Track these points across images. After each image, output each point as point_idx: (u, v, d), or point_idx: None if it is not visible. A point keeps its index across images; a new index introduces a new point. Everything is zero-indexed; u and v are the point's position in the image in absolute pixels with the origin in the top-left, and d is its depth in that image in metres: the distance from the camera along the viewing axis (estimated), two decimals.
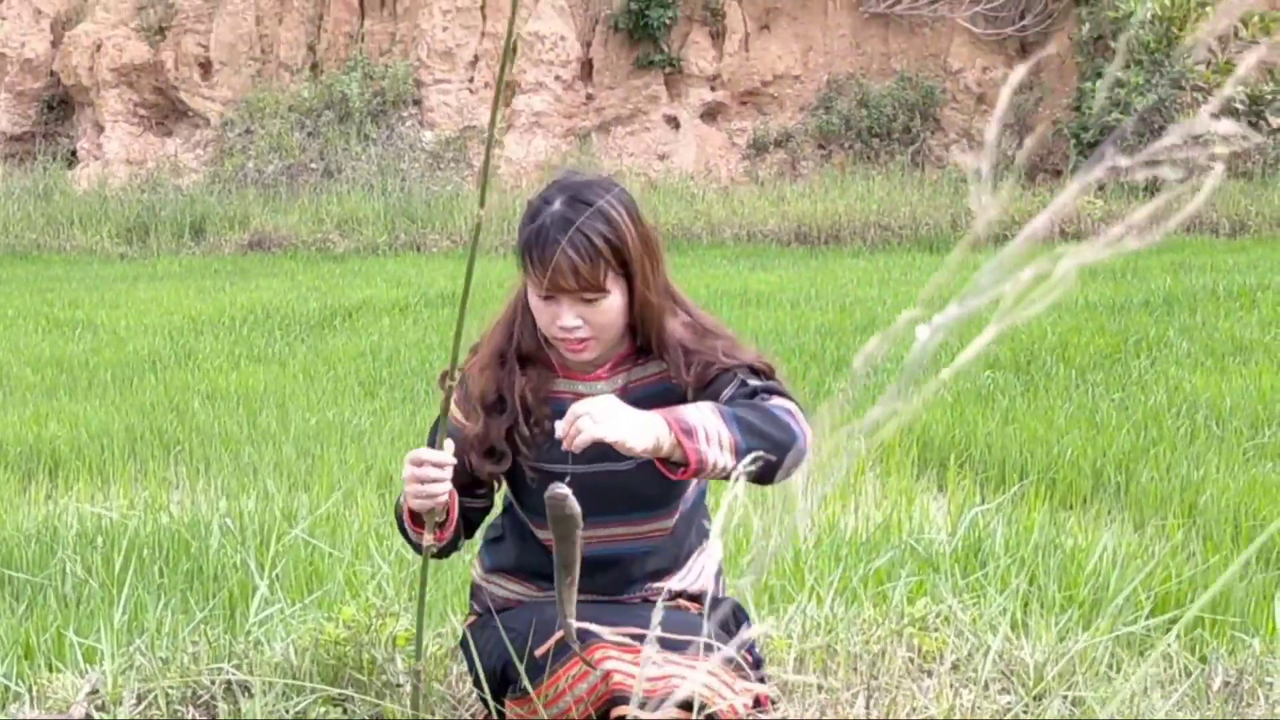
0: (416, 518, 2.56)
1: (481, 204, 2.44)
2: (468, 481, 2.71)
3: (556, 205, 2.48)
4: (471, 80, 20.60)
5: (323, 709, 2.93)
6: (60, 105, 21.66)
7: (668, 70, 20.55)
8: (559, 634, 2.47)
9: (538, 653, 2.46)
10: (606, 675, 2.38)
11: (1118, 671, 3.11)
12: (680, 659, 2.41)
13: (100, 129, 20.90)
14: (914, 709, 2.76)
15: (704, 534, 2.80)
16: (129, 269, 15.18)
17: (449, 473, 2.47)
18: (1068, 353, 8.21)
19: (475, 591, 2.88)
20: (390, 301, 11.36)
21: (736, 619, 2.72)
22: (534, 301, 2.54)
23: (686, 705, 2.40)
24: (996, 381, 7.48)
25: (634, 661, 2.40)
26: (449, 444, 2.51)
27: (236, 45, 20.68)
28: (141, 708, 2.93)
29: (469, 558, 4.04)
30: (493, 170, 19.52)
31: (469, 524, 2.83)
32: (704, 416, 2.33)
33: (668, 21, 20.16)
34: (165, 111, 21.17)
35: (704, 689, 2.40)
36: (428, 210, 17.40)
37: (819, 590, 3.50)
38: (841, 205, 16.87)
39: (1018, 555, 4.11)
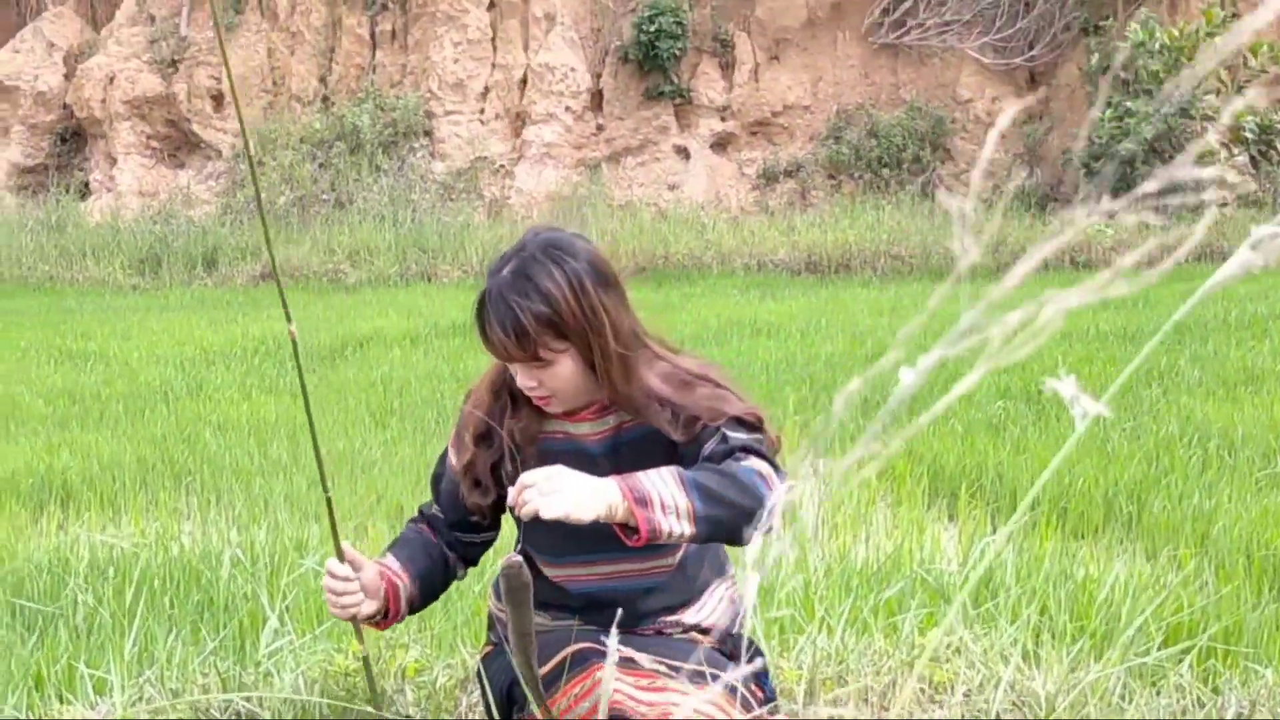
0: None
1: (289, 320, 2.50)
2: (462, 514, 2.76)
3: (504, 274, 2.51)
4: (482, 111, 20.68)
5: None
6: (73, 137, 21.78)
7: (677, 101, 20.62)
8: (562, 654, 2.47)
9: (542, 671, 2.46)
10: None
11: (1130, 702, 3.10)
12: (681, 685, 2.41)
13: (113, 161, 21.01)
14: None
15: (720, 567, 2.79)
16: (141, 300, 15.24)
17: (355, 585, 2.61)
18: (1079, 381, 8.18)
19: (491, 623, 2.89)
20: (402, 332, 11.39)
21: (750, 657, 2.70)
22: None
23: None
24: (1008, 411, 7.47)
25: (634, 683, 2.40)
26: (348, 556, 2.65)
27: (248, 77, 20.80)
28: None
29: (478, 588, 4.05)
30: (503, 201, 19.60)
31: (468, 559, 2.90)
32: (662, 484, 2.32)
33: (677, 52, 20.25)
34: (177, 143, 21.28)
35: (700, 716, 2.39)
36: (439, 241, 17.45)
37: (829, 621, 3.49)
38: (852, 235, 16.89)
39: (1029, 585, 4.10)
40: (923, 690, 3.12)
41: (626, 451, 2.62)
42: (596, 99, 20.82)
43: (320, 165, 19.65)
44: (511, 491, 2.34)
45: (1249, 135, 17.71)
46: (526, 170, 20.27)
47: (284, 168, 19.38)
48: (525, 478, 2.31)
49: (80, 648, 3.76)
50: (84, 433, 7.63)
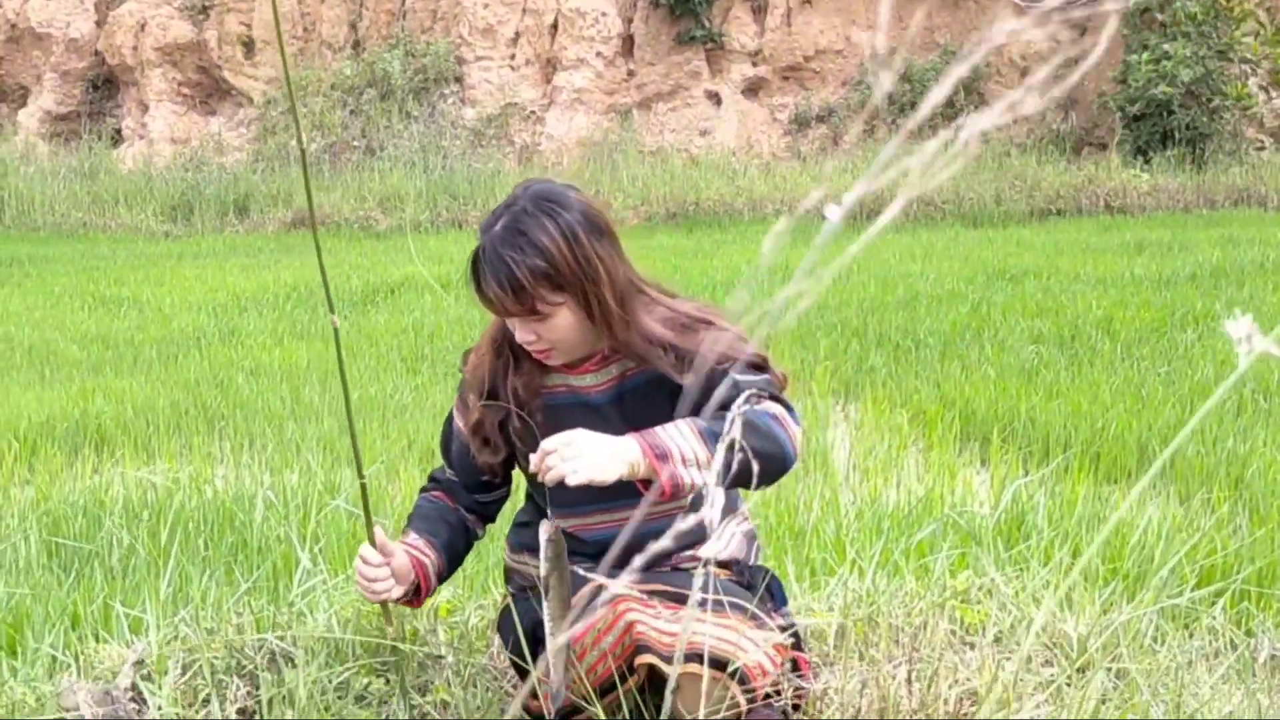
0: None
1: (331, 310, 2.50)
2: (475, 475, 2.78)
3: (496, 229, 2.50)
4: (513, 57, 20.58)
5: (365, 680, 2.94)
6: (105, 85, 21.79)
7: (709, 46, 20.46)
8: (583, 591, 2.48)
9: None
10: (629, 626, 2.40)
11: (1162, 644, 3.09)
12: (702, 614, 2.42)
13: (145, 108, 21.02)
14: (956, 681, 2.74)
15: (733, 503, 2.81)
16: (173, 247, 15.29)
17: (386, 571, 2.62)
18: (1113, 327, 8.14)
19: (507, 574, 2.91)
20: (433, 278, 11.39)
21: (770, 588, 2.71)
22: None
23: (719, 664, 2.40)
24: (1041, 356, 7.43)
25: (655, 614, 2.41)
26: (380, 543, 2.64)
27: (279, 24, 20.71)
28: (187, 677, 2.95)
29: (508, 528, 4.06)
30: (534, 147, 19.54)
31: (486, 516, 2.91)
32: (681, 438, 2.34)
33: None
34: (209, 90, 21.28)
35: (720, 641, 2.40)
36: (469, 188, 17.43)
37: (860, 563, 3.48)
38: (883, 180, 16.74)
39: (1061, 528, 4.09)
40: (953, 632, 3.11)
41: (631, 400, 2.62)
42: (627, 44, 20.69)
43: (351, 112, 19.62)
44: (533, 458, 2.35)
45: None
46: (557, 116, 20.19)
47: (315, 114, 19.35)
48: (546, 444, 2.33)
49: (116, 588, 3.79)
50: (118, 378, 7.67)
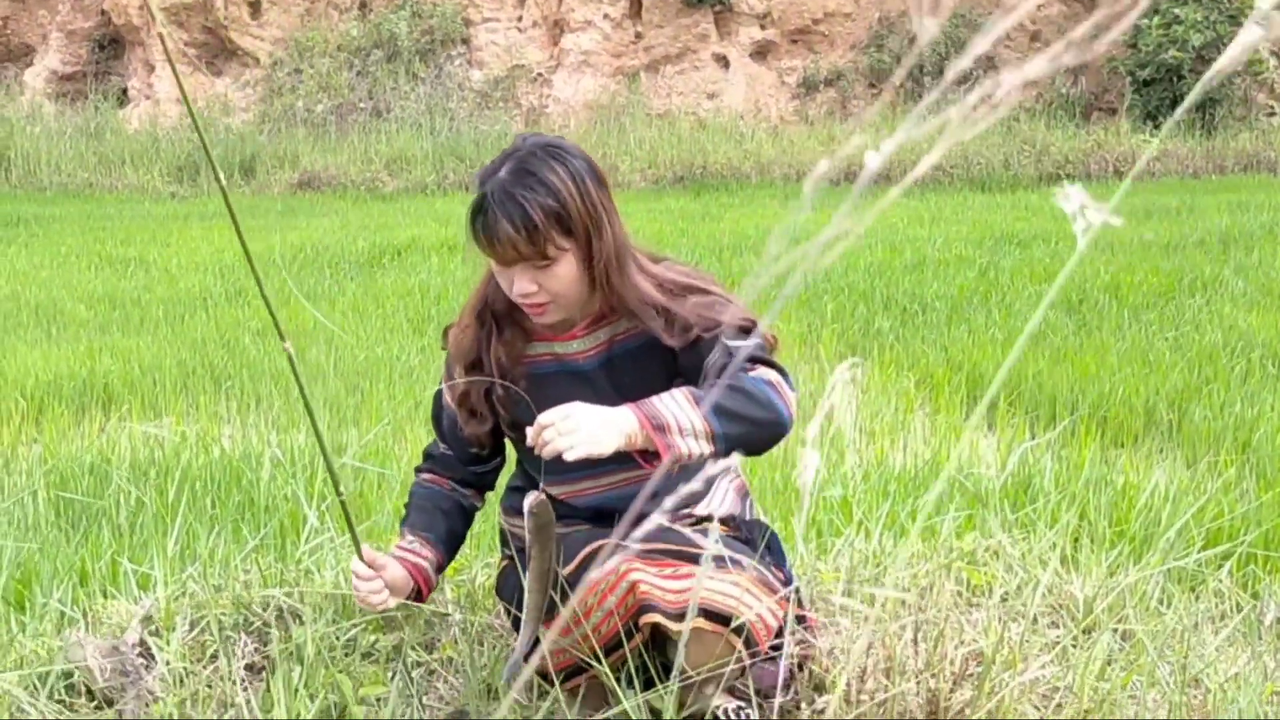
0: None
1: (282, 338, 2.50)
2: (467, 447, 2.78)
3: (501, 174, 2.47)
4: (520, 19, 20.48)
5: (373, 636, 2.95)
6: (111, 44, 21.71)
7: (717, 8, 20.34)
8: (585, 552, 2.48)
9: (564, 572, 2.48)
10: (633, 586, 2.40)
11: (1168, 606, 3.09)
12: (703, 570, 2.43)
13: (151, 68, 20.96)
14: (962, 641, 2.75)
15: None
16: (180, 208, 15.26)
17: (379, 583, 2.61)
18: (1121, 292, 8.12)
19: (503, 538, 2.91)
20: (439, 240, 11.38)
21: (769, 544, 2.72)
22: (494, 268, 2.55)
23: (722, 619, 2.41)
24: (1048, 320, 7.41)
25: (657, 572, 2.41)
26: (369, 558, 2.63)
27: None
28: (195, 633, 2.96)
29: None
30: (541, 110, 19.47)
31: (483, 487, 2.92)
32: (677, 407, 2.34)
33: None
34: (215, 51, 21.19)
35: (724, 596, 2.41)
36: (476, 150, 17.37)
37: (867, 524, 3.49)
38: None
39: (1068, 491, 4.09)
40: (960, 593, 3.12)
41: (621, 365, 2.62)
42: (635, 6, 20.57)
43: (358, 73, 19.55)
44: (529, 433, 2.34)
45: None
46: (564, 79, 20.11)
47: (321, 75, 19.29)
48: (543, 418, 2.32)
49: (124, 545, 3.81)
50: (125, 337, 7.68)
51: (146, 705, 2.70)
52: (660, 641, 2.55)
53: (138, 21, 20.79)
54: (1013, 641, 2.70)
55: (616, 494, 2.66)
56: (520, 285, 2.49)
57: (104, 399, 6.26)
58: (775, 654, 2.64)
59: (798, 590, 2.71)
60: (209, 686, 2.75)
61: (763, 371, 2.43)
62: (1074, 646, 2.83)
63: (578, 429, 2.28)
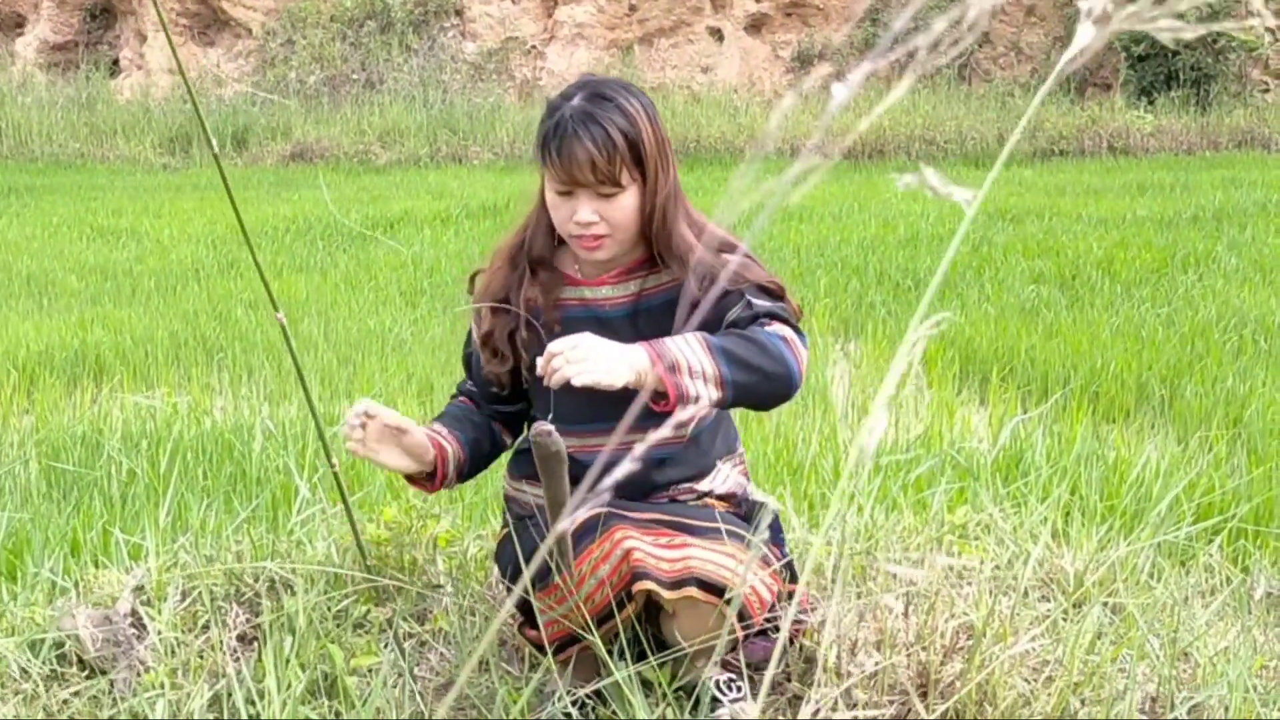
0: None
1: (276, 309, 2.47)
2: (490, 388, 2.76)
3: (576, 100, 2.50)
4: None
5: (364, 607, 2.95)
6: (103, 14, 21.61)
7: None
8: (581, 519, 2.48)
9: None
10: (627, 554, 2.40)
11: (1159, 580, 3.10)
12: (698, 541, 2.43)
13: (143, 38, 20.86)
14: (953, 614, 2.75)
15: (731, 445, 2.80)
16: (172, 179, 15.21)
17: (359, 432, 2.54)
18: (1114, 268, 8.12)
19: (506, 502, 2.90)
20: (432, 213, 11.36)
21: (769, 524, 2.72)
22: (551, 198, 2.54)
23: (715, 591, 2.41)
24: (1041, 296, 7.42)
25: (653, 542, 2.42)
26: (397, 424, 2.58)
27: None
28: (186, 604, 2.96)
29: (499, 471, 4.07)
30: (534, 82, 19.41)
31: (511, 427, 2.88)
32: (689, 350, 2.33)
33: None
34: (207, 21, 21.09)
35: (718, 568, 2.41)
36: (469, 122, 17.33)
37: (859, 498, 3.49)
38: (886, 119, 16.68)
39: (1059, 465, 4.09)
40: (950, 567, 3.12)
41: (645, 318, 2.62)
42: None
43: (351, 44, 19.47)
44: (539, 360, 2.34)
45: None
46: (558, 51, 20.04)
47: (314, 46, 19.21)
48: (553, 346, 2.31)
49: (115, 515, 3.80)
50: (116, 308, 7.66)
51: (138, 675, 2.70)
52: (653, 614, 2.55)
53: None
54: (1003, 615, 2.70)
55: (625, 456, 2.64)
56: (583, 213, 2.50)
57: (96, 370, 6.25)
58: (767, 627, 2.65)
59: (791, 565, 2.72)
60: (200, 656, 2.75)
61: (779, 328, 2.44)
62: (1064, 620, 2.84)
63: (587, 358, 2.28)
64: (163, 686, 2.61)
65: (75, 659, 2.76)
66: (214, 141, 2.31)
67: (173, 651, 2.75)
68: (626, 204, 2.50)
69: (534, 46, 20.27)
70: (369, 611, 2.94)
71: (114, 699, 2.65)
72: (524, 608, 2.67)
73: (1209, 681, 2.62)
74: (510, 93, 19.44)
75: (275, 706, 2.41)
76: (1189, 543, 3.37)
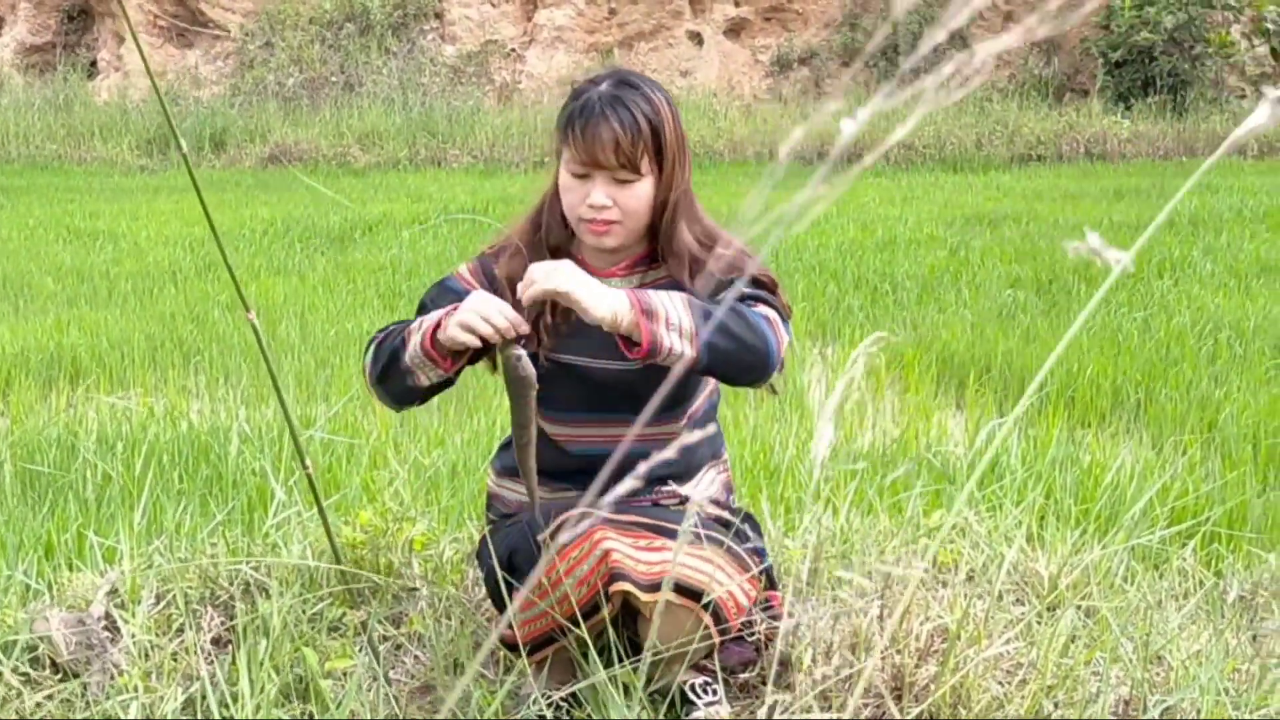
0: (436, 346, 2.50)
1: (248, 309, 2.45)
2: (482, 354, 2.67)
3: (605, 86, 2.54)
4: None
5: (339, 610, 2.95)
6: (80, 16, 21.51)
7: None
8: (558, 520, 2.49)
9: (539, 538, 2.48)
10: (605, 554, 2.40)
11: (1132, 584, 3.11)
12: (679, 545, 2.44)
13: (120, 40, 20.78)
14: (928, 618, 2.76)
15: (717, 451, 2.82)
16: (149, 181, 15.15)
17: (487, 333, 2.40)
18: (1090, 272, 8.15)
19: (490, 501, 2.90)
20: (411, 216, 11.34)
21: (749, 529, 2.73)
22: (566, 181, 2.55)
23: (693, 594, 2.42)
24: (1018, 300, 7.45)
25: (632, 544, 2.42)
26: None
27: None
28: (160, 607, 2.95)
29: (484, 465, 4.06)
30: (514, 85, 19.39)
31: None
32: (670, 303, 2.36)
33: None
34: (186, 23, 21.03)
35: (695, 572, 2.42)
36: (449, 126, 17.30)
37: (835, 501, 3.50)
38: (865, 124, 16.68)
39: (1034, 469, 4.11)
40: (926, 570, 3.13)
41: None
42: None
43: (329, 47, 19.43)
44: (520, 285, 2.38)
45: (1271, 26, 17.44)
46: (537, 55, 20.03)
47: (293, 49, 19.17)
48: (533, 269, 2.36)
49: (90, 518, 3.79)
50: (93, 311, 7.63)
51: (111, 678, 2.69)
52: (630, 617, 2.55)
53: None
54: (978, 618, 2.71)
55: (611, 449, 2.65)
56: (597, 196, 2.52)
57: (71, 372, 6.22)
58: (743, 632, 2.65)
59: (769, 571, 2.73)
60: (174, 659, 2.75)
61: (764, 309, 2.46)
62: (1038, 623, 2.85)
63: (572, 278, 2.32)
64: (136, 689, 2.60)
65: (48, 662, 2.76)
66: (183, 143, 2.30)
67: (146, 654, 2.74)
68: (641, 193, 2.53)
69: (513, 50, 20.26)
70: (344, 614, 2.94)
71: (87, 702, 2.64)
72: (501, 608, 2.67)
73: (1181, 684, 2.63)
74: (489, 96, 19.42)
75: (249, 709, 2.40)
76: (1162, 546, 3.39)
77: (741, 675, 2.78)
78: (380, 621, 2.96)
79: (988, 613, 2.76)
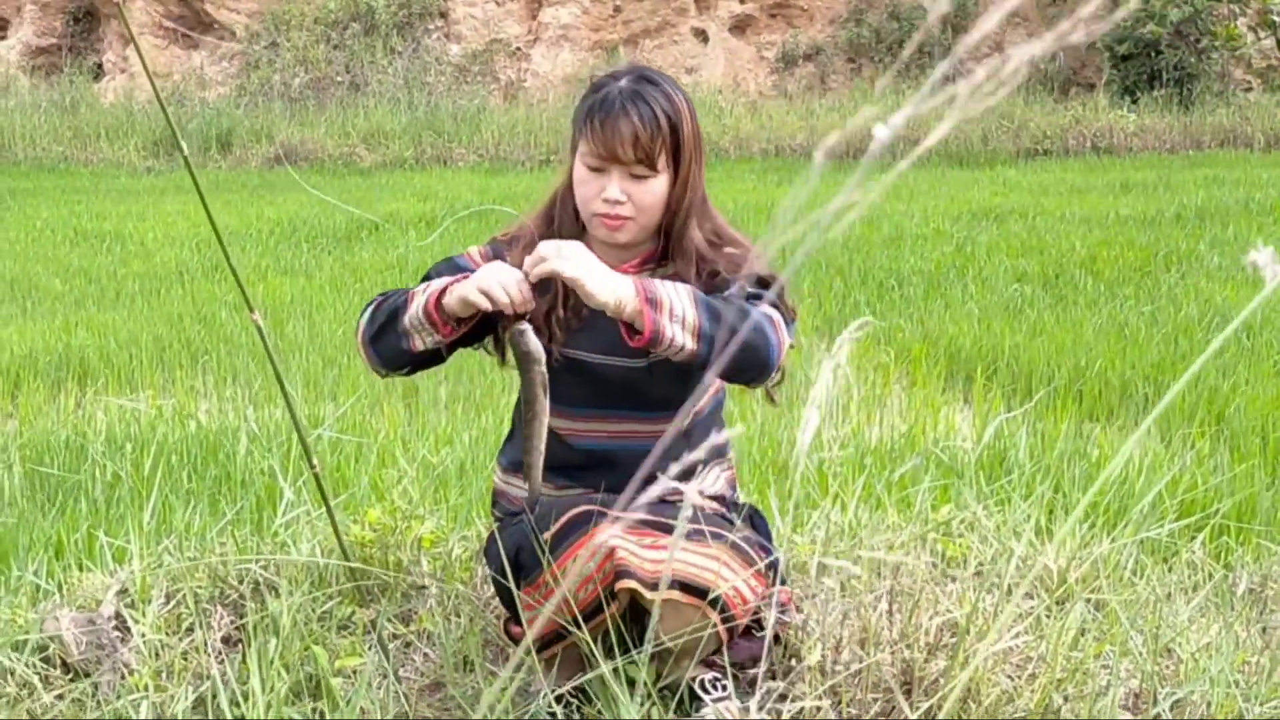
0: (441, 311, 2.48)
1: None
2: (480, 334, 2.68)
3: (625, 81, 2.55)
4: None
5: (349, 609, 2.95)
6: (86, 17, 21.53)
7: None
8: (569, 514, 2.48)
9: (545, 536, 2.48)
10: (610, 552, 2.40)
11: (1141, 577, 3.11)
12: (685, 543, 2.44)
13: (126, 42, 20.78)
14: (937, 612, 2.76)
15: (722, 449, 2.82)
16: (156, 182, 15.16)
17: (503, 301, 2.39)
18: (1097, 266, 8.15)
19: (495, 498, 2.89)
20: (417, 215, 11.35)
21: (754, 523, 2.73)
22: (580, 173, 2.55)
23: (698, 592, 2.42)
24: (1025, 295, 7.44)
25: (637, 541, 2.42)
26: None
27: None
28: (170, 606, 2.96)
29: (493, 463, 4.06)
30: (519, 84, 19.39)
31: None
32: (675, 295, 2.35)
33: None
34: (191, 24, 21.04)
35: (700, 570, 2.42)
36: (454, 124, 17.31)
37: (843, 497, 3.49)
38: (871, 120, 16.67)
39: (1042, 463, 4.11)
40: (935, 564, 3.13)
41: None
42: None
43: (334, 47, 19.44)
44: (528, 260, 2.37)
45: (1277, 19, 17.40)
46: (543, 53, 20.04)
47: (298, 49, 19.18)
48: (542, 246, 2.35)
49: (100, 518, 3.80)
50: (100, 312, 7.64)
51: (122, 677, 2.70)
52: (639, 614, 2.55)
53: None
54: (987, 612, 2.71)
55: (619, 444, 2.66)
56: (612, 189, 2.52)
57: (80, 374, 6.23)
58: (753, 627, 2.65)
59: (777, 566, 2.73)
60: (184, 658, 2.75)
61: (767, 309, 2.45)
62: (1047, 616, 2.85)
63: (575, 259, 2.31)
64: (147, 689, 2.60)
65: (59, 662, 2.76)
66: (184, 144, 2.31)
67: (157, 654, 2.75)
68: (656, 189, 2.53)
69: (518, 48, 20.26)
70: (353, 613, 2.94)
71: (98, 701, 2.65)
72: (510, 605, 2.67)
73: (1191, 677, 2.63)
74: (495, 94, 19.43)
75: (260, 708, 2.41)
76: (1171, 539, 3.38)
77: (751, 670, 2.78)
78: (389, 619, 2.96)
79: (997, 607, 2.75)
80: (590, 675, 2.48)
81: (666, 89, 2.54)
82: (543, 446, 2.50)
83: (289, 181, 14.55)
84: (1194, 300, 7.05)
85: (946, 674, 2.55)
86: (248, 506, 3.85)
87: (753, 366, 2.40)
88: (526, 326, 2.40)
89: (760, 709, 2.66)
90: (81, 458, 4.56)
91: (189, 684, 2.64)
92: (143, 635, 2.78)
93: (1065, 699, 2.54)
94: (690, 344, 2.32)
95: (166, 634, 2.83)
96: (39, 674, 2.72)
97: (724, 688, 2.64)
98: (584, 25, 20.21)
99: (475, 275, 2.44)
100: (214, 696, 2.56)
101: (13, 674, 2.69)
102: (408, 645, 2.96)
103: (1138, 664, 2.69)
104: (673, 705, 2.61)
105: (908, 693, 2.58)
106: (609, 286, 2.29)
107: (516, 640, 2.65)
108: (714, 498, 2.75)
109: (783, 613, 2.72)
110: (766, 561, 2.60)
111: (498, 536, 2.67)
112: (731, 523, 2.63)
